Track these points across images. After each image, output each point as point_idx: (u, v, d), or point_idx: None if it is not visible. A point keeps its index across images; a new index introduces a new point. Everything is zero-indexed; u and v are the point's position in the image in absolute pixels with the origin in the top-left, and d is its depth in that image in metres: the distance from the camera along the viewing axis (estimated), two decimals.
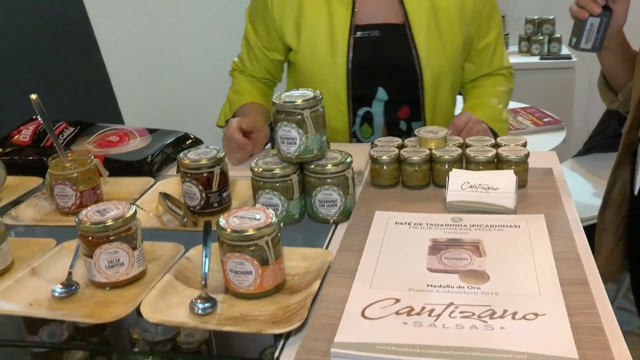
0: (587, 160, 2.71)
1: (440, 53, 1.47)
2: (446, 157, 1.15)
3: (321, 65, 1.48)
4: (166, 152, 1.35)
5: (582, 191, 2.42)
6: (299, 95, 1.07)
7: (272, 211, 0.92)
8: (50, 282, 0.97)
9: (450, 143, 1.20)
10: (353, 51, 1.47)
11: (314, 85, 1.51)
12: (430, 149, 1.18)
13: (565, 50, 3.44)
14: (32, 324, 1.39)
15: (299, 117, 1.06)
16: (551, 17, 3.48)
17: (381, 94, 1.52)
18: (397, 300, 0.85)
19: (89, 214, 0.95)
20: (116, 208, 0.96)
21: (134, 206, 0.97)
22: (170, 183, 1.26)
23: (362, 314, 0.82)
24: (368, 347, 0.76)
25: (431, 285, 0.87)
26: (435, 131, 1.20)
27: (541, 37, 3.44)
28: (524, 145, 1.18)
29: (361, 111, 1.54)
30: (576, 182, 2.52)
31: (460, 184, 1.08)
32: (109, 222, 0.93)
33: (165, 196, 1.17)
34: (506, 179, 1.09)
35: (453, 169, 1.13)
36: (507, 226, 1.02)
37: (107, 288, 0.96)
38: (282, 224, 1.10)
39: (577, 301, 0.84)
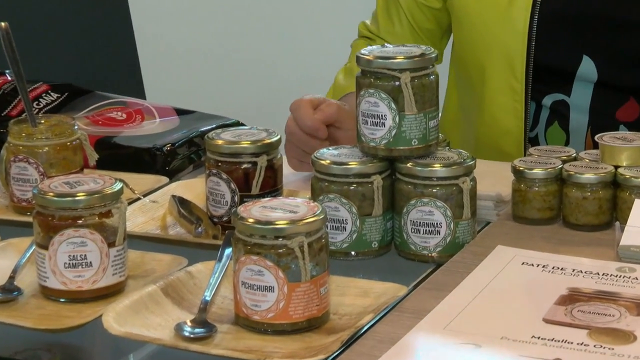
0: None
1: None
2: None
3: (490, 11, 1.93)
4: (197, 143, 1.85)
5: None
6: (400, 51, 1.52)
7: (319, 205, 1.36)
8: None
9: None
10: None
11: (479, 49, 1.98)
12: (616, 166, 1.57)
13: None
14: None
15: (394, 83, 1.50)
16: None
17: (587, 68, 1.93)
18: (476, 346, 1.25)
19: (54, 184, 1.45)
20: (94, 182, 1.45)
21: (120, 183, 1.46)
22: (195, 186, 1.75)
23: (414, 351, 1.24)
24: None
25: (537, 337, 1.27)
26: (631, 138, 1.60)
27: None
28: None
29: (549, 99, 1.96)
30: None
31: None
32: (80, 196, 1.41)
33: (179, 200, 1.66)
34: None
35: None
36: None
37: (62, 300, 1.43)
38: (352, 252, 1.53)
39: None
